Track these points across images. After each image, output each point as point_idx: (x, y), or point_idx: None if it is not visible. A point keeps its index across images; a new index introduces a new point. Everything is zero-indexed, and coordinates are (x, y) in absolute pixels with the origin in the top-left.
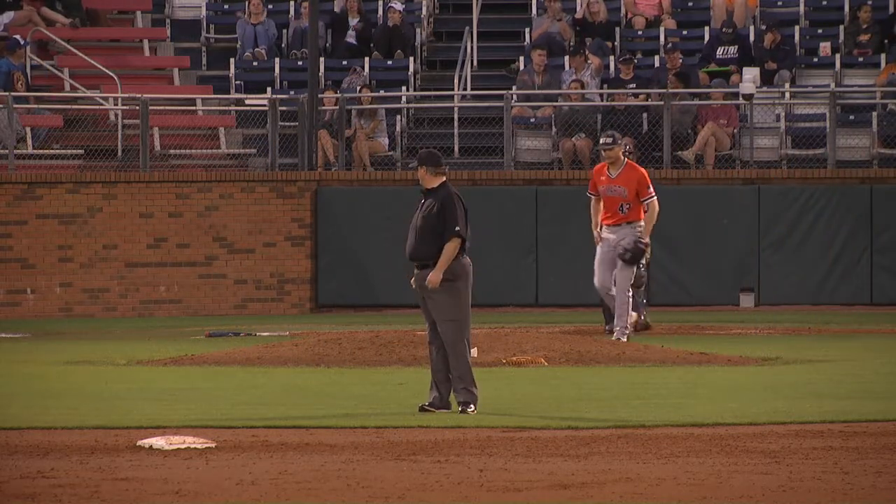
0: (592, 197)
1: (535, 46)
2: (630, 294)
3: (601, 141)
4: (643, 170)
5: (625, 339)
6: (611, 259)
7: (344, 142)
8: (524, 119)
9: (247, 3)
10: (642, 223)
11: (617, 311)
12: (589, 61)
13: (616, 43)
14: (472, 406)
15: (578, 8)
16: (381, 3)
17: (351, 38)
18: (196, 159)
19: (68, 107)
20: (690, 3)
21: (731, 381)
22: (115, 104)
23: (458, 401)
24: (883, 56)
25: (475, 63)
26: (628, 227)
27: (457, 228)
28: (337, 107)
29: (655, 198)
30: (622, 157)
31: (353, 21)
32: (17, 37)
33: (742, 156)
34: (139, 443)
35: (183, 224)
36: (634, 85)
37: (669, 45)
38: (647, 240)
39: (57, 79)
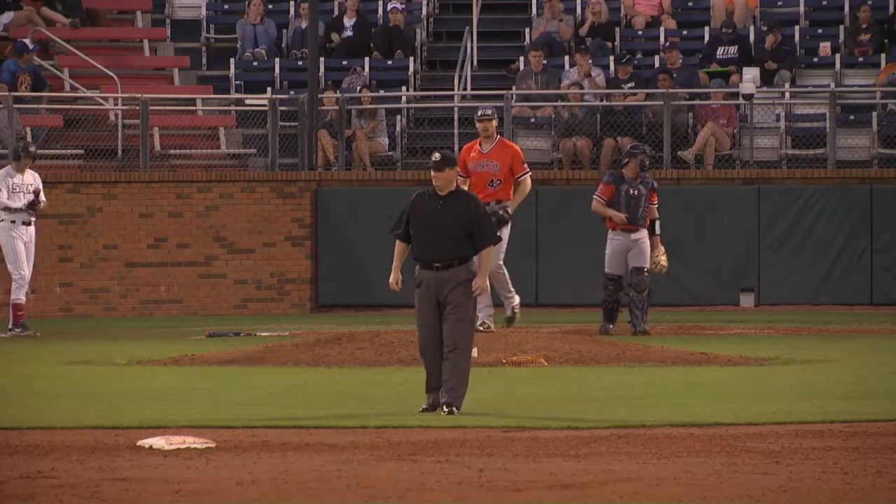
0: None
1: (533, 47)
2: (503, 270)
3: (479, 113)
4: (518, 147)
5: (516, 313)
6: None
7: (344, 142)
8: (524, 119)
9: (247, 3)
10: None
11: (499, 288)
12: (592, 72)
13: (616, 43)
14: (457, 409)
15: (579, 10)
16: (381, 3)
17: (349, 39)
18: (196, 159)
19: (68, 107)
20: (690, 3)
21: (731, 381)
22: (115, 104)
23: (446, 400)
24: (883, 56)
25: (475, 63)
26: (497, 205)
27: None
28: (337, 107)
29: (529, 174)
30: (495, 134)
31: (350, 22)
32: (27, 41)
33: (742, 156)
34: (139, 443)
35: (183, 224)
36: (633, 84)
37: (668, 43)
38: (511, 210)
39: (57, 79)
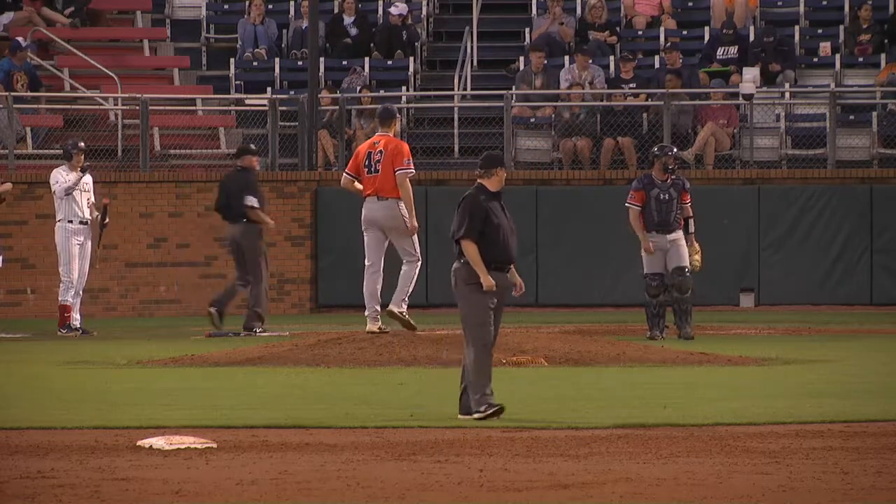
0: (349, 177)
1: (534, 48)
2: (417, 268)
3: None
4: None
5: (401, 311)
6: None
7: (344, 142)
8: (524, 119)
9: (248, 3)
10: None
11: (401, 283)
12: (593, 76)
13: (616, 43)
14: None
15: (579, 9)
16: (380, 2)
17: (349, 37)
18: (196, 159)
19: (68, 107)
20: (690, 3)
21: (731, 381)
22: (115, 104)
23: (479, 407)
24: (883, 56)
25: (475, 63)
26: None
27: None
28: (337, 107)
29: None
30: None
31: (349, 20)
32: (20, 39)
33: (742, 156)
34: (139, 443)
35: (183, 224)
36: (634, 85)
37: (669, 44)
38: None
39: (57, 79)
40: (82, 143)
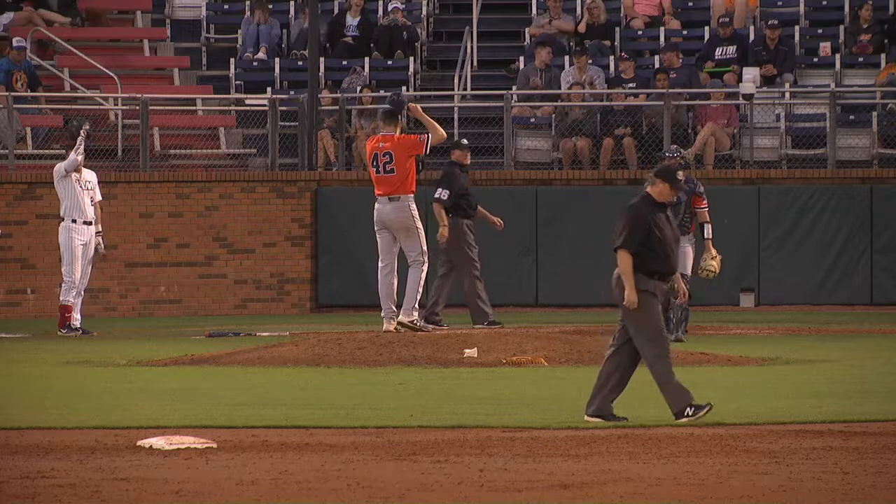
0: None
1: (540, 44)
2: (424, 271)
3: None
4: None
5: (411, 320)
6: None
7: (344, 142)
8: (524, 119)
9: (249, 2)
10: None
11: (408, 290)
12: (593, 79)
13: (616, 43)
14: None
15: (579, 10)
16: (381, 2)
17: (350, 37)
18: (196, 159)
19: (68, 107)
20: (690, 3)
21: (731, 381)
22: (115, 104)
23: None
24: (883, 56)
25: (475, 63)
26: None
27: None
28: (337, 107)
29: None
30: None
31: (353, 20)
32: (17, 39)
33: (742, 156)
34: (139, 443)
35: (183, 224)
36: (633, 85)
37: (674, 43)
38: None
39: (57, 79)
40: (87, 125)
